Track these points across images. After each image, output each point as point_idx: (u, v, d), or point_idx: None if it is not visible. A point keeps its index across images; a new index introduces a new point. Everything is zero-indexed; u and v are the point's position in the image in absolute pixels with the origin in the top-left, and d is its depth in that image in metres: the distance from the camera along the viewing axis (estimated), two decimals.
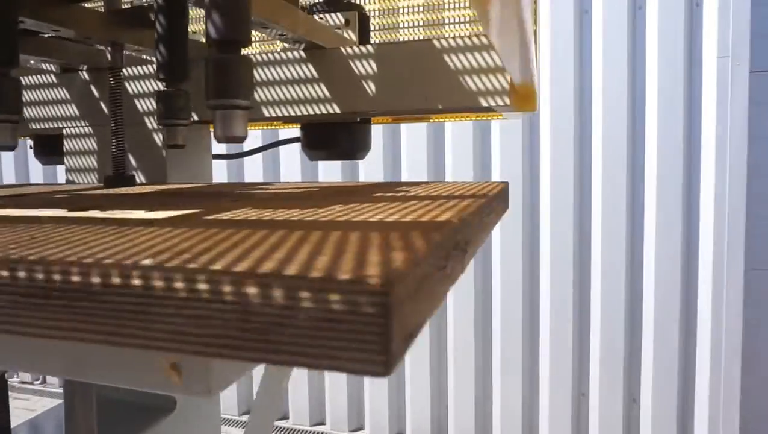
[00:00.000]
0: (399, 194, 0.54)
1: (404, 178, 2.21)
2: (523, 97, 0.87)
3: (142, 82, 0.98)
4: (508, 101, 0.78)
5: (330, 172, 2.35)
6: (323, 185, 0.81)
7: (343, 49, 0.84)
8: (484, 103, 0.79)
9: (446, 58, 0.81)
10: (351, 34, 0.97)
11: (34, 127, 1.05)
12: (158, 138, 0.97)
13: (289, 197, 0.57)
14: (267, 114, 0.89)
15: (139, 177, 0.98)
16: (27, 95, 1.02)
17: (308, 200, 0.49)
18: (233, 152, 1.20)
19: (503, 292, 2.11)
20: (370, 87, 0.84)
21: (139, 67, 0.98)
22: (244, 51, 0.51)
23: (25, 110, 1.04)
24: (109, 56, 0.84)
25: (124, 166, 0.88)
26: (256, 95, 0.88)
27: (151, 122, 0.97)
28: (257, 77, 0.89)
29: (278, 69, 0.88)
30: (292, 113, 0.87)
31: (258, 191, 0.66)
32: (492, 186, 0.62)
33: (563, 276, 2.03)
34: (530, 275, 2.09)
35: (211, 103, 0.48)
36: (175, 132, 0.69)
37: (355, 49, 0.84)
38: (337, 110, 0.85)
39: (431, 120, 1.22)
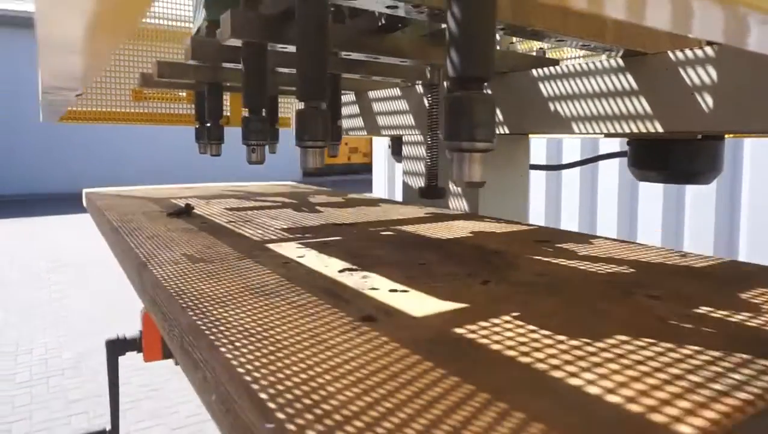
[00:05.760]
0: None
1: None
2: None
3: None
4: None
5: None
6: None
7: (671, 54, 0.69)
8: None
9: None
10: None
11: (384, 133, 1.21)
12: None
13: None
14: (576, 129, 0.80)
15: (456, 188, 1.02)
16: (380, 106, 1.18)
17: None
18: (552, 164, 1.13)
19: None
20: (706, 101, 0.67)
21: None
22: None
23: (380, 118, 1.21)
24: (428, 74, 0.89)
25: (436, 178, 0.94)
26: (561, 109, 0.81)
27: None
28: (566, 89, 0.81)
29: (588, 79, 0.79)
30: (600, 130, 0.76)
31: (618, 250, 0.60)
32: None
33: None
34: None
35: (447, 144, 0.46)
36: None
37: (688, 53, 0.68)
38: (659, 129, 0.71)
39: None
